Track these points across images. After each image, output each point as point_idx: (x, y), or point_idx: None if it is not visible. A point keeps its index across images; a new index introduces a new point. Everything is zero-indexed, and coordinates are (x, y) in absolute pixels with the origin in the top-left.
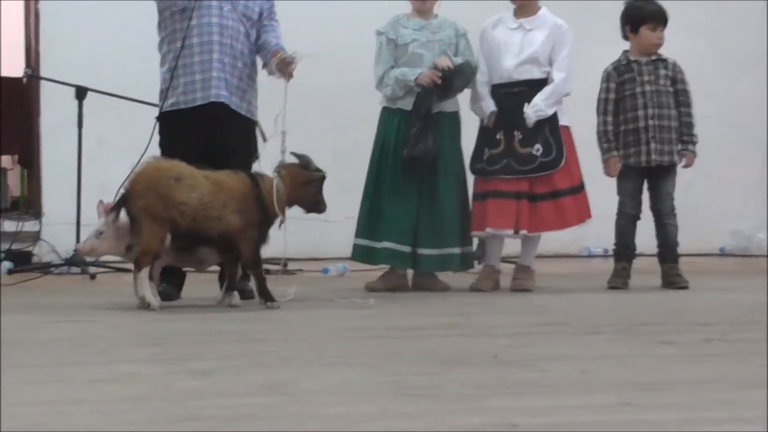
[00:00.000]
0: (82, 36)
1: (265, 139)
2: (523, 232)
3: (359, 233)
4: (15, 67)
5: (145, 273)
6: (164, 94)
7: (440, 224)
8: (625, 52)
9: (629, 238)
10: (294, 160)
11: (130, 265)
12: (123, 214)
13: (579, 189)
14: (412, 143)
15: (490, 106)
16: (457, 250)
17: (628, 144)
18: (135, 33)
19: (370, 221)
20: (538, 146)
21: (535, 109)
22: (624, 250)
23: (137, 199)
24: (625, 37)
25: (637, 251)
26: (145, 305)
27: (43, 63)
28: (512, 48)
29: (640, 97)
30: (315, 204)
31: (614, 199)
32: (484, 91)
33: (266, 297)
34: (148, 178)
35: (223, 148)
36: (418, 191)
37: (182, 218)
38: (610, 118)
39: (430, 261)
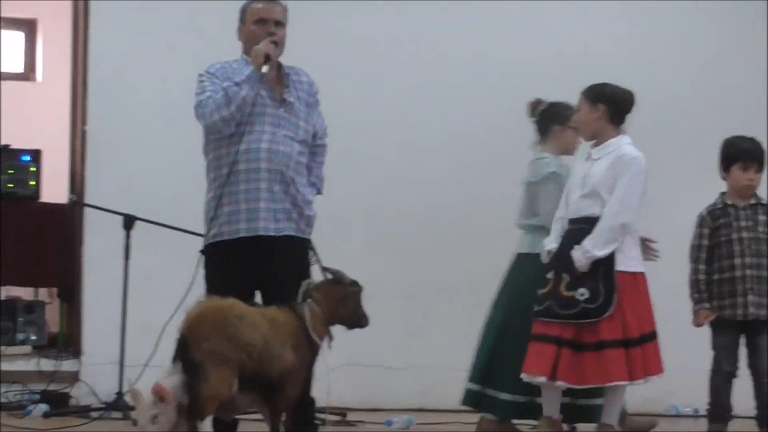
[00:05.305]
0: (131, 161)
1: (316, 262)
2: (560, 383)
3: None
4: (58, 193)
5: (208, 422)
6: (208, 224)
7: None
8: (722, 194)
9: (725, 398)
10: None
11: None
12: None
13: (637, 341)
14: None
15: (550, 242)
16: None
17: (723, 295)
18: (188, 158)
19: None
20: (583, 290)
21: (583, 250)
22: (719, 410)
23: (201, 342)
24: (723, 178)
25: (733, 412)
26: None
27: (88, 189)
28: (578, 180)
29: (737, 245)
30: (356, 319)
31: (704, 354)
32: (553, 227)
33: None
34: (211, 319)
35: (274, 280)
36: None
37: (249, 360)
38: (702, 266)
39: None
